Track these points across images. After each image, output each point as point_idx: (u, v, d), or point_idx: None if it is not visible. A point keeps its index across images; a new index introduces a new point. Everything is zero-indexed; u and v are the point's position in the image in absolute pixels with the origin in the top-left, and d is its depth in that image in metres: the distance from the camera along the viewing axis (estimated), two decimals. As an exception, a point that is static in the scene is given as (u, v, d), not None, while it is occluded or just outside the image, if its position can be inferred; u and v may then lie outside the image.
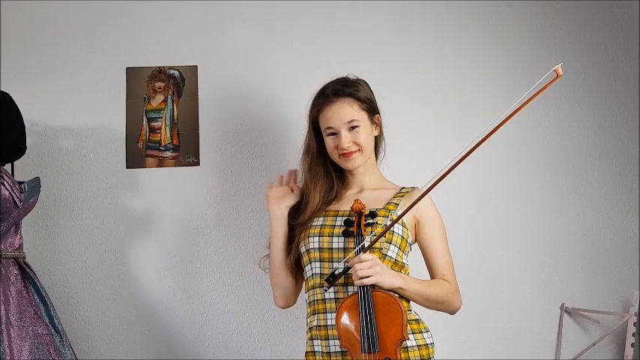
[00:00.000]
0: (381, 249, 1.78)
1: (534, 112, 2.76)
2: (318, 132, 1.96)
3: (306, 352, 1.85)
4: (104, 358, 2.49)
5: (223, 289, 2.55)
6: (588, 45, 2.82)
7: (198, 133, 2.62)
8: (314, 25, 2.71)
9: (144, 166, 2.60)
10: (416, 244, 1.97)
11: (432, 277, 1.92)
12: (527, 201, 2.72)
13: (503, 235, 2.69)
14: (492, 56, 2.78)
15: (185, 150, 2.61)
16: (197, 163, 2.60)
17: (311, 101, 1.97)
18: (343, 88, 1.89)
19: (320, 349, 1.76)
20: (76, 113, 2.59)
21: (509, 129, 2.72)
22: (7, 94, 2.24)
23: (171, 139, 2.62)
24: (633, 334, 2.59)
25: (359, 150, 1.87)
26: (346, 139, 1.85)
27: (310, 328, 1.84)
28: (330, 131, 1.87)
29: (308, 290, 1.86)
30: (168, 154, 2.61)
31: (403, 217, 1.82)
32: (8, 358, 2.03)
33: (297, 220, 1.89)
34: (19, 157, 2.28)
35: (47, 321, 2.21)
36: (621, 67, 2.83)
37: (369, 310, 1.65)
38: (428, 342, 1.81)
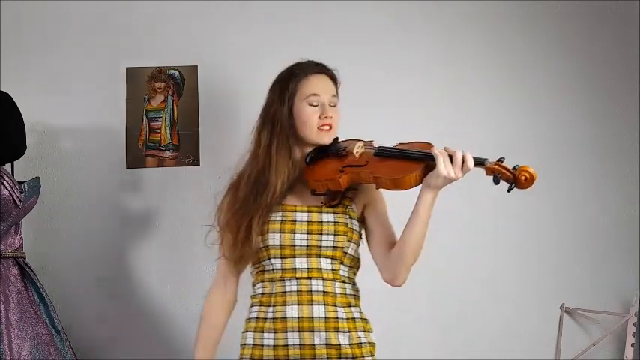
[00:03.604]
0: (343, 247, 1.75)
1: (533, 112, 2.76)
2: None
3: (253, 344, 1.76)
4: (104, 358, 2.49)
5: (223, 290, 2.55)
6: (588, 45, 2.82)
7: (199, 133, 2.62)
8: (314, 25, 2.71)
9: (144, 166, 2.60)
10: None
11: (384, 247, 1.80)
12: (527, 201, 2.71)
13: (502, 235, 2.69)
14: (491, 57, 2.78)
15: (185, 150, 2.61)
16: (197, 163, 2.60)
17: (283, 71, 1.85)
18: (328, 68, 1.85)
19: (272, 343, 1.71)
20: (76, 113, 2.59)
21: (508, 128, 2.74)
22: (7, 94, 2.24)
23: (172, 139, 2.63)
24: (633, 334, 2.59)
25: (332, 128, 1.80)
26: (330, 109, 1.78)
27: (257, 319, 1.77)
28: (314, 99, 1.77)
29: (262, 282, 1.79)
30: (168, 154, 2.62)
31: (355, 209, 1.81)
32: (8, 358, 2.03)
33: (258, 201, 1.77)
34: (19, 157, 2.28)
35: (47, 321, 2.21)
36: (621, 67, 2.83)
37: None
38: (374, 342, 1.80)
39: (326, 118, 1.76)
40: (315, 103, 1.77)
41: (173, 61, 2.65)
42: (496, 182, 1.60)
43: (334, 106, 1.80)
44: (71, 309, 2.48)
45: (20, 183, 2.23)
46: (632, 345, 2.59)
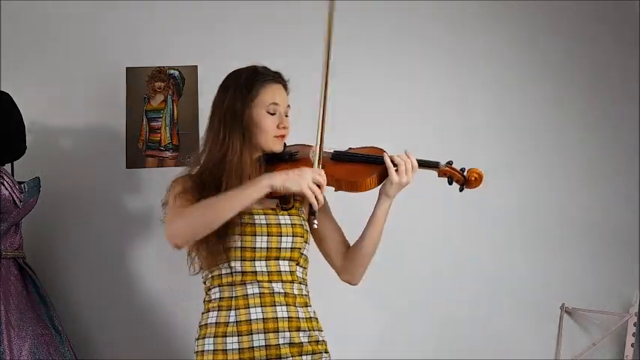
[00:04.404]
0: (300, 249, 1.78)
1: (533, 112, 2.76)
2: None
3: (214, 350, 1.73)
4: (104, 358, 2.49)
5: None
6: (588, 45, 2.83)
7: (199, 133, 2.62)
8: (314, 26, 2.70)
9: (144, 166, 2.60)
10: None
11: (341, 250, 1.88)
12: (527, 201, 2.72)
13: (502, 235, 2.69)
14: (490, 57, 2.78)
15: (185, 150, 2.61)
16: (197, 163, 2.60)
17: (240, 73, 1.85)
18: (284, 78, 1.88)
19: (237, 346, 1.71)
20: (76, 113, 2.59)
21: (507, 129, 2.74)
22: (7, 94, 2.24)
23: (171, 139, 2.63)
24: (633, 334, 2.59)
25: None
26: (285, 119, 1.83)
27: (217, 324, 1.75)
28: (274, 108, 1.81)
29: (221, 286, 1.77)
30: (168, 154, 2.62)
31: (304, 211, 1.85)
32: (8, 358, 2.03)
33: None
34: (19, 157, 2.28)
35: (47, 321, 2.21)
36: (621, 67, 2.83)
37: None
38: (325, 339, 1.81)
39: (284, 128, 1.81)
40: (273, 112, 1.81)
41: (173, 61, 2.65)
42: (450, 183, 1.74)
43: (287, 116, 1.85)
44: (71, 309, 2.49)
45: (20, 183, 2.23)
46: (632, 345, 2.58)
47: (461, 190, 1.74)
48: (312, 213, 1.71)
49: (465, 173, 1.72)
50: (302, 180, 1.64)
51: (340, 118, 2.60)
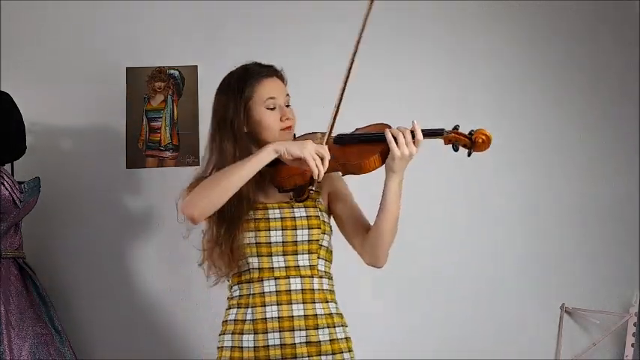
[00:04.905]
0: (318, 240, 1.77)
1: (532, 114, 2.76)
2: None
3: (232, 347, 1.75)
4: (104, 358, 2.49)
5: (223, 289, 2.55)
6: (588, 45, 2.83)
7: (199, 133, 2.62)
8: (314, 25, 2.71)
9: (144, 166, 2.60)
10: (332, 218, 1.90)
11: (361, 233, 1.84)
12: (527, 201, 2.72)
13: (503, 234, 2.69)
14: (491, 56, 2.79)
15: (185, 150, 2.61)
16: (197, 163, 2.60)
17: (231, 76, 1.84)
18: (277, 70, 1.86)
19: (253, 344, 1.72)
20: (76, 113, 2.59)
21: (507, 129, 2.74)
22: (7, 94, 2.24)
23: (171, 139, 2.63)
24: (633, 334, 2.59)
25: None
26: (287, 110, 1.81)
27: (235, 321, 1.77)
28: (272, 102, 1.78)
29: (240, 283, 1.79)
30: (168, 154, 2.62)
31: (322, 201, 1.84)
32: (8, 358, 2.03)
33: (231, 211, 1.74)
34: (19, 157, 2.28)
35: (47, 321, 2.21)
36: (621, 67, 2.83)
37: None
38: (349, 336, 1.81)
39: (287, 119, 1.79)
40: (272, 106, 1.79)
41: (173, 61, 2.65)
42: (455, 149, 1.64)
43: (289, 105, 1.83)
44: (71, 309, 2.49)
45: (20, 183, 2.23)
46: (632, 345, 2.59)
47: (469, 154, 1.64)
48: (310, 183, 1.67)
49: (473, 136, 1.62)
50: (304, 148, 1.63)
51: (340, 118, 2.60)
